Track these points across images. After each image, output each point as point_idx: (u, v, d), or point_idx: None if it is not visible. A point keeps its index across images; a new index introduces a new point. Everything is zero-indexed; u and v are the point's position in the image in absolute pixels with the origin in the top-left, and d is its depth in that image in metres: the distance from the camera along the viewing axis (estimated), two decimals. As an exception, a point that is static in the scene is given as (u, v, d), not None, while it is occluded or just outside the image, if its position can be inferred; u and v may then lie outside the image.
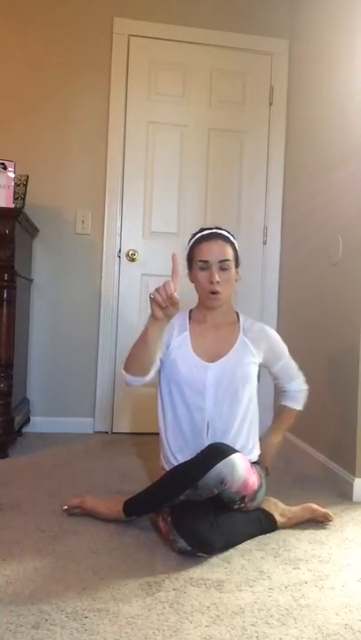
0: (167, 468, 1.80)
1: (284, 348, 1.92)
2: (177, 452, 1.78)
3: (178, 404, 1.78)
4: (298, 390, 1.96)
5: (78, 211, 3.04)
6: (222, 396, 1.75)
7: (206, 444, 1.72)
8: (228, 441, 1.71)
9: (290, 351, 1.94)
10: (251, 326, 1.86)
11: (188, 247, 1.86)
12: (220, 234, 1.82)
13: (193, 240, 1.84)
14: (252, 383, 1.80)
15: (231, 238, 1.83)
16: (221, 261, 1.77)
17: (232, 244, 1.82)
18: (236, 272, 1.83)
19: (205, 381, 1.75)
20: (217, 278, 1.75)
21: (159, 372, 1.82)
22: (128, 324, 3.08)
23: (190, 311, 1.91)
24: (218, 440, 1.72)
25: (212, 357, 1.78)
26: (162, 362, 1.81)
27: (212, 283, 1.75)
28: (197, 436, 1.76)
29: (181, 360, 1.77)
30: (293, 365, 1.94)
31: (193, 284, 1.85)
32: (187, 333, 1.82)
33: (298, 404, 1.97)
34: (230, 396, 1.75)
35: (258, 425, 1.85)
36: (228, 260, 1.78)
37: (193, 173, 3.14)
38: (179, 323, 1.83)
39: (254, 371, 1.81)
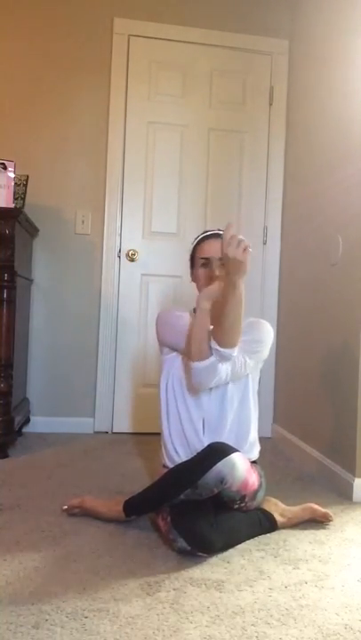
0: (168, 463, 1.81)
1: (255, 336, 1.75)
2: (178, 447, 1.80)
3: (179, 401, 1.80)
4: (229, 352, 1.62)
5: (78, 211, 3.04)
6: (215, 393, 1.76)
7: (203, 440, 1.74)
8: (222, 438, 1.72)
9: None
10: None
11: (191, 248, 1.88)
12: (221, 235, 1.83)
13: (196, 240, 1.87)
14: (241, 381, 1.79)
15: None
16: (222, 258, 1.78)
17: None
18: None
19: None
20: (217, 273, 1.76)
21: (162, 368, 1.85)
22: (128, 324, 3.08)
23: (193, 311, 1.93)
24: (213, 437, 1.73)
25: None
26: (165, 359, 1.85)
27: (212, 278, 1.76)
28: (195, 432, 1.77)
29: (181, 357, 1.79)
30: (239, 357, 1.69)
31: (194, 285, 1.87)
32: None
33: (210, 361, 1.61)
34: (221, 393, 1.77)
35: (256, 423, 1.85)
36: None
37: (193, 173, 3.14)
38: (181, 322, 1.84)
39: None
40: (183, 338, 1.74)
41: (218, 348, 1.61)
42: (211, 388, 1.75)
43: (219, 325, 1.62)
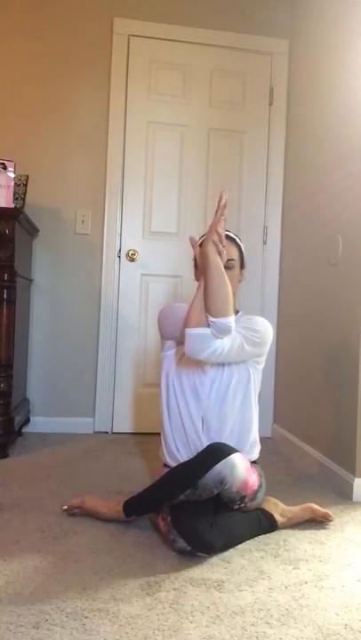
0: (169, 461, 1.81)
1: (254, 325, 1.75)
2: (179, 445, 1.80)
3: (179, 398, 1.80)
4: (224, 322, 1.63)
5: (78, 211, 3.04)
6: (215, 392, 1.76)
7: (203, 439, 1.74)
8: (223, 438, 1.72)
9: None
10: (240, 319, 1.83)
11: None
12: (227, 235, 1.84)
13: (201, 240, 1.86)
14: (242, 381, 1.79)
15: (237, 240, 1.87)
16: (227, 260, 1.78)
17: (238, 246, 1.87)
18: (241, 273, 1.87)
19: (203, 378, 1.76)
20: None
21: (162, 364, 1.86)
22: (128, 323, 3.08)
23: None
24: (213, 436, 1.73)
25: None
26: (165, 356, 1.85)
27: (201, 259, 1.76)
28: (195, 430, 1.77)
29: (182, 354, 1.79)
30: (237, 337, 1.69)
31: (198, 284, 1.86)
32: None
33: (206, 330, 1.64)
34: (223, 393, 1.77)
35: (257, 423, 1.85)
36: (233, 259, 1.81)
37: (193, 173, 3.14)
38: (181, 311, 1.84)
39: (242, 368, 1.80)
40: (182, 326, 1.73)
41: (213, 319, 1.62)
42: (212, 387, 1.75)
43: (207, 295, 1.64)
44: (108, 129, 3.05)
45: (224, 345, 1.65)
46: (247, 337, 1.72)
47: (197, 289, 1.69)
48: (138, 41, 3.07)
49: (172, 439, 1.81)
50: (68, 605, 1.28)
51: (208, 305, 1.64)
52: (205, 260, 1.64)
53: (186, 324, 1.67)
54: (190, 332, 1.64)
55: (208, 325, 1.64)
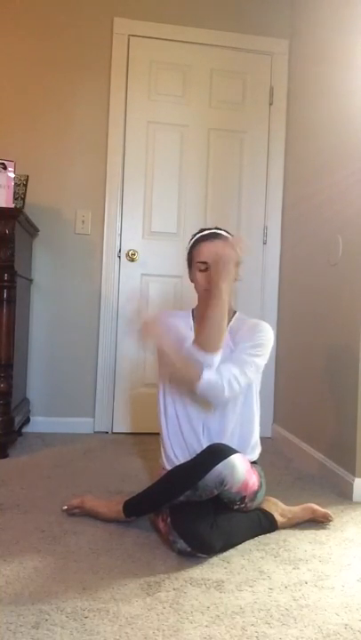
0: (168, 466, 1.80)
1: (258, 340, 1.73)
2: (177, 450, 1.79)
3: (177, 403, 1.79)
4: (224, 372, 1.64)
5: (78, 211, 3.04)
6: None
7: (203, 443, 1.73)
8: (224, 442, 1.71)
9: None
10: (242, 325, 1.81)
11: (188, 248, 1.86)
12: (219, 234, 1.81)
13: (192, 241, 1.85)
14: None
15: (230, 239, 1.83)
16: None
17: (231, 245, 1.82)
18: (236, 272, 1.83)
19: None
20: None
21: (158, 369, 1.85)
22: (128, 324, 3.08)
23: (193, 311, 1.92)
24: (214, 440, 1.73)
25: None
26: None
27: (210, 282, 1.74)
28: (195, 435, 1.76)
29: None
30: (247, 359, 1.69)
31: (193, 284, 1.85)
32: (192, 333, 1.80)
33: (205, 379, 1.62)
34: None
35: (258, 424, 1.84)
36: None
37: (193, 173, 3.14)
38: (183, 324, 1.83)
39: None
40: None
41: (201, 352, 1.61)
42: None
43: (204, 325, 1.64)
44: (108, 129, 3.04)
45: (238, 378, 1.65)
46: (252, 354, 1.70)
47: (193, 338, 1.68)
48: (138, 41, 3.07)
49: (169, 445, 1.81)
50: (68, 605, 1.28)
51: (202, 334, 1.63)
52: (217, 294, 1.64)
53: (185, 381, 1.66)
54: (200, 388, 1.62)
55: (200, 369, 1.61)
